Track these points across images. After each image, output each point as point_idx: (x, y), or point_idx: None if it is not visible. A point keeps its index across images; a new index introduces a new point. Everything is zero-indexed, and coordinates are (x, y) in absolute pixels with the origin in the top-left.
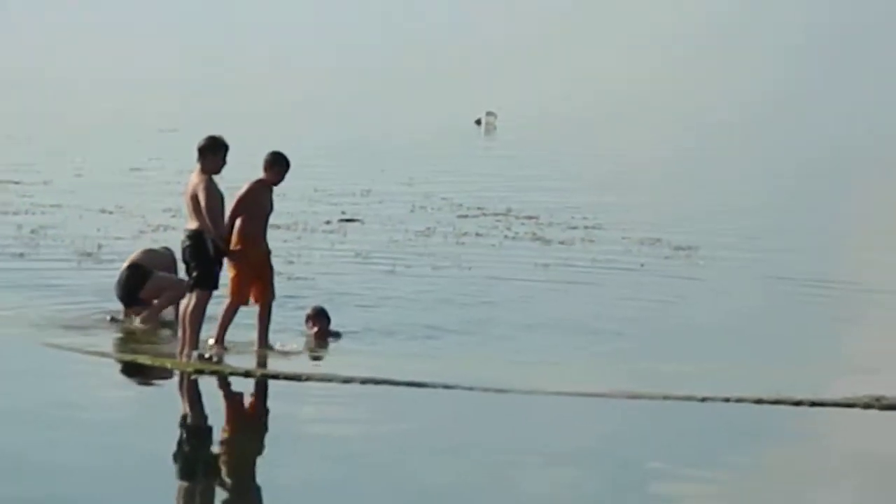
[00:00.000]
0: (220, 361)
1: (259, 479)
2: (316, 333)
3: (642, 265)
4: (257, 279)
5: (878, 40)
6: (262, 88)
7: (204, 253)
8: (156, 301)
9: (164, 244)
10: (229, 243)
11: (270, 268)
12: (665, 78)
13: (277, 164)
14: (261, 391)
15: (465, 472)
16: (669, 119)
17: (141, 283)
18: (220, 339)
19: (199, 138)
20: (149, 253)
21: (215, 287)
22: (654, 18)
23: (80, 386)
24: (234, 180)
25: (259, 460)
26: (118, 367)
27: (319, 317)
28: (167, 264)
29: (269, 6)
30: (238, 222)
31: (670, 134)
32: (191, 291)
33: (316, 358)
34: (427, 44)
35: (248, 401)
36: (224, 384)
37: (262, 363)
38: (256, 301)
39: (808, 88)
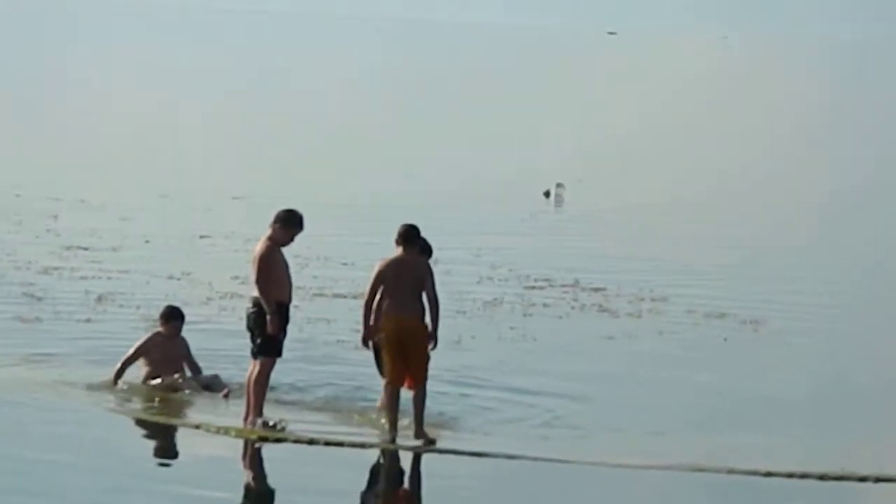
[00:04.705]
0: (283, 429)
1: None
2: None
3: (725, 339)
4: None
5: None
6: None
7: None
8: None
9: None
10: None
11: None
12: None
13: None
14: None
15: None
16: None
17: None
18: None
19: (270, 207)
20: None
21: (279, 354)
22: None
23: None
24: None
25: None
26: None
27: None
28: None
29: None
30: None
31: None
32: (255, 358)
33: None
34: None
35: (309, 471)
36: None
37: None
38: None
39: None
